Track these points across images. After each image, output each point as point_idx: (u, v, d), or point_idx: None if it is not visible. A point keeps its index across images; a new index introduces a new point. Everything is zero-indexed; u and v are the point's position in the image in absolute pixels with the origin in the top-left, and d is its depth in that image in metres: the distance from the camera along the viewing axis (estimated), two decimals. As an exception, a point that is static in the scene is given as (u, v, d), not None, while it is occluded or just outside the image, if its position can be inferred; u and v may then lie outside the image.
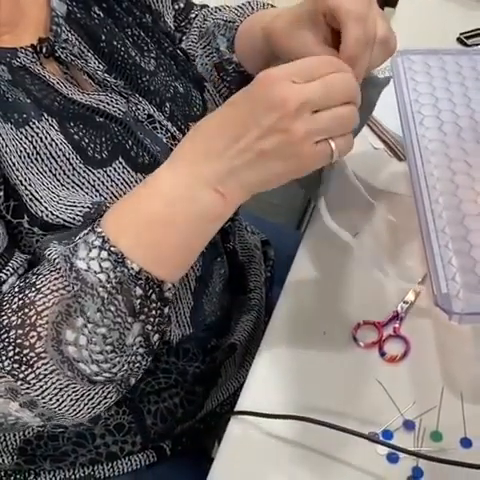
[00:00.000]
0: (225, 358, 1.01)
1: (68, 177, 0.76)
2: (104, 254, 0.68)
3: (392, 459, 0.79)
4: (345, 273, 0.95)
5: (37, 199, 0.73)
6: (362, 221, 0.98)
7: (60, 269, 0.69)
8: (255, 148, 0.67)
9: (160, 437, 0.97)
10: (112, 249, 0.68)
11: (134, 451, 0.96)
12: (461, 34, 1.33)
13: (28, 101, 0.75)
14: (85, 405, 0.72)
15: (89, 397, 0.72)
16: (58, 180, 0.75)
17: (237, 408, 0.85)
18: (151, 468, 0.97)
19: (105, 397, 0.74)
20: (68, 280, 0.68)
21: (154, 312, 0.71)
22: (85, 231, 0.71)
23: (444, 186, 0.86)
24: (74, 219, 0.74)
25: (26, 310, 0.68)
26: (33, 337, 0.68)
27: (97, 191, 0.77)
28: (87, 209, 0.74)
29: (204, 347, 0.98)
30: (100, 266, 0.68)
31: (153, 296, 0.70)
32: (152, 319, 0.71)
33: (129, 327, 0.70)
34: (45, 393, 0.70)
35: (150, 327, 0.71)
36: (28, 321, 0.68)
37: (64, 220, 0.73)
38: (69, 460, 0.94)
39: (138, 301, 0.69)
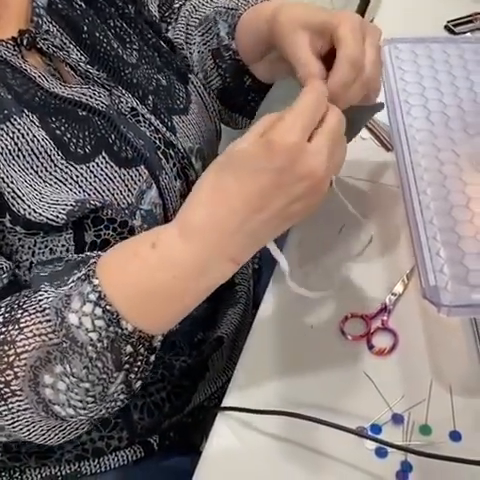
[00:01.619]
0: (212, 352, 1.01)
1: (50, 173, 0.75)
2: (98, 311, 0.66)
3: (381, 454, 0.79)
4: (333, 265, 0.94)
5: (19, 197, 0.72)
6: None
7: (50, 321, 0.67)
8: (283, 215, 0.67)
9: (147, 432, 0.96)
10: (107, 308, 0.66)
11: (121, 447, 0.95)
12: (449, 22, 1.32)
13: (9, 97, 0.74)
14: (55, 435, 0.72)
15: (60, 428, 0.72)
16: (40, 177, 0.74)
17: (224, 403, 0.84)
18: (138, 464, 0.97)
19: (77, 428, 0.73)
20: (57, 335, 0.67)
21: (140, 363, 0.70)
22: (80, 275, 0.68)
23: (432, 176, 0.85)
24: (57, 217, 0.72)
25: (6, 347, 0.68)
26: (9, 375, 0.67)
27: (80, 187, 0.76)
28: (70, 207, 0.73)
29: (191, 341, 0.97)
30: (93, 324, 0.66)
31: (142, 350, 0.69)
32: (136, 369, 0.70)
33: (113, 381, 0.69)
34: (16, 424, 0.69)
35: (133, 376, 0.70)
36: (6, 359, 0.67)
37: (47, 218, 0.72)
38: (55, 457, 0.93)
39: (126, 357, 0.68)
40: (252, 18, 0.94)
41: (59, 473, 0.94)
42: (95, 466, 0.94)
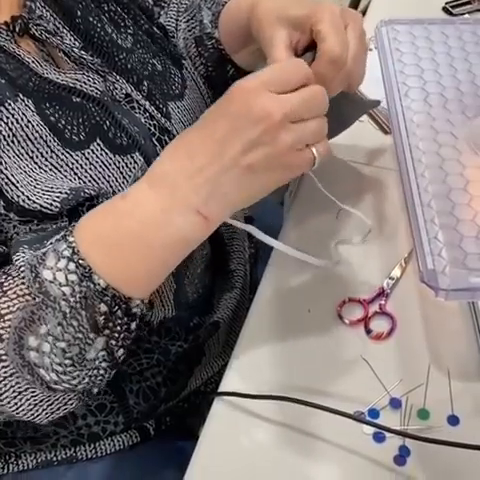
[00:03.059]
0: (208, 336, 1.00)
1: (46, 160, 0.74)
2: (72, 266, 0.67)
3: (378, 438, 0.78)
4: (330, 250, 0.94)
5: (13, 183, 0.71)
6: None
7: (24, 278, 0.67)
8: (241, 163, 0.66)
9: (143, 417, 0.96)
10: (80, 262, 0.67)
11: (117, 431, 0.95)
12: (447, 3, 1.31)
13: (3, 81, 0.73)
14: (43, 410, 0.72)
15: (48, 403, 0.72)
16: (36, 163, 0.73)
17: (221, 388, 0.84)
18: (135, 449, 0.97)
19: (65, 404, 0.73)
20: (31, 290, 0.67)
21: (119, 328, 0.70)
22: (58, 237, 0.69)
23: (430, 159, 0.85)
24: (51, 205, 0.72)
25: None
26: None
27: (75, 174, 0.75)
28: (65, 195, 0.73)
29: (186, 326, 0.96)
30: (66, 278, 0.66)
31: (119, 312, 0.69)
32: (117, 334, 0.70)
33: (91, 342, 0.69)
34: (3, 396, 0.69)
35: (114, 342, 0.70)
36: None
37: (41, 205, 0.72)
38: (50, 442, 0.93)
39: (102, 317, 0.68)
40: (234, 8, 0.93)
41: (55, 458, 0.94)
42: (91, 451, 0.94)
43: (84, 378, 0.71)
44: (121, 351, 0.72)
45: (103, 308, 0.68)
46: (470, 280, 0.74)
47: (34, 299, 0.67)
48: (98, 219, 0.70)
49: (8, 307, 0.67)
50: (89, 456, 0.94)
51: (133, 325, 0.71)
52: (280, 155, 0.67)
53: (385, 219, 0.97)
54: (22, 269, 0.68)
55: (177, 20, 0.99)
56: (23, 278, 0.68)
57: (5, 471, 0.93)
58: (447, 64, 0.95)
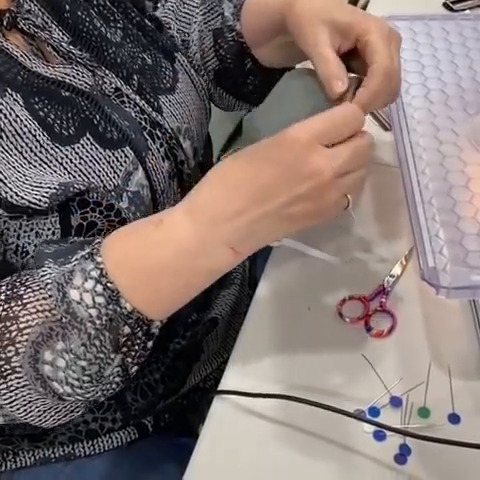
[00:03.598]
0: (207, 333, 1.00)
1: (35, 154, 0.73)
2: (99, 288, 0.66)
3: (379, 437, 0.78)
4: (330, 247, 0.93)
5: (1, 180, 0.70)
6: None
7: (52, 296, 0.67)
8: (283, 213, 0.67)
9: (141, 414, 0.96)
10: (109, 285, 0.66)
11: (115, 428, 0.95)
12: (447, -1, 1.31)
13: None
14: (51, 417, 0.72)
15: (56, 410, 0.72)
16: (25, 158, 0.73)
17: (221, 386, 0.84)
18: (133, 445, 0.96)
19: (72, 411, 0.73)
20: (58, 310, 0.67)
21: (137, 347, 0.70)
22: (84, 253, 0.69)
23: (431, 156, 0.85)
24: (40, 201, 0.71)
25: (8, 323, 0.67)
26: (10, 351, 0.67)
27: (65, 169, 0.75)
28: (54, 190, 0.72)
29: (185, 322, 0.96)
30: (93, 300, 0.66)
31: (139, 334, 0.69)
32: (134, 353, 0.70)
33: (110, 362, 0.69)
34: (14, 403, 0.69)
35: (130, 360, 0.70)
36: (8, 335, 0.67)
37: (29, 201, 0.71)
38: (48, 439, 0.93)
39: (124, 339, 0.68)
40: (261, 2, 0.92)
41: (52, 455, 0.93)
42: (89, 448, 0.94)
43: (97, 392, 0.71)
44: (134, 368, 0.72)
45: (126, 330, 0.68)
46: (471, 278, 0.74)
47: (54, 316, 0.67)
48: (128, 242, 0.69)
49: (27, 321, 0.67)
50: (87, 453, 0.94)
51: (149, 344, 0.71)
52: (322, 209, 0.68)
53: (385, 217, 0.97)
54: (49, 287, 0.67)
55: (174, 12, 0.99)
56: (50, 296, 0.67)
57: (3, 468, 0.93)
58: (448, 60, 0.95)
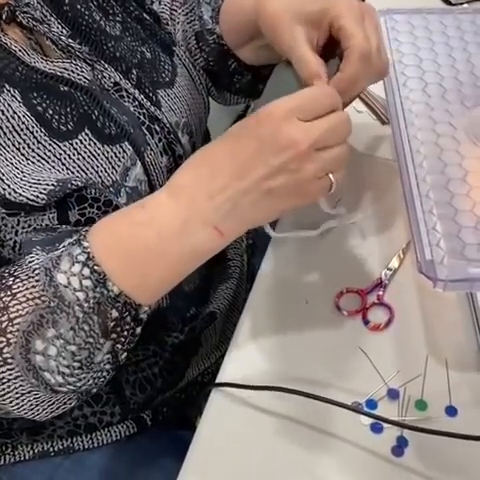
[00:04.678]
0: (205, 327, 1.00)
1: (33, 151, 0.73)
2: (86, 271, 0.67)
3: (376, 429, 0.78)
4: (328, 240, 0.93)
5: None
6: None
7: (39, 281, 0.67)
8: (262, 187, 0.67)
9: (140, 407, 0.96)
10: (95, 268, 0.67)
11: (113, 422, 0.95)
12: (445, -7, 1.30)
13: None
14: (44, 410, 0.72)
15: (49, 403, 0.72)
16: (23, 154, 0.73)
17: (219, 379, 0.84)
18: (131, 439, 0.96)
19: (65, 403, 0.73)
20: (46, 294, 0.67)
21: (126, 333, 0.71)
22: (71, 240, 0.69)
23: (428, 149, 0.85)
24: (38, 197, 0.71)
25: None
26: (1, 342, 0.67)
27: (63, 165, 0.75)
28: (51, 187, 0.72)
29: (183, 316, 0.96)
30: (80, 283, 0.67)
31: (128, 318, 0.70)
32: (123, 339, 0.71)
33: (100, 347, 0.70)
34: (6, 396, 0.69)
35: (120, 346, 0.71)
36: None
37: (27, 198, 0.71)
38: (47, 433, 0.93)
39: (113, 323, 0.69)
40: (236, 3, 0.92)
41: (51, 449, 0.93)
42: (87, 442, 0.94)
43: (89, 380, 0.71)
44: (124, 354, 0.72)
45: (114, 314, 0.68)
46: (468, 271, 0.73)
47: (44, 302, 0.67)
48: (114, 225, 0.70)
49: (17, 310, 0.67)
50: (86, 447, 0.94)
51: (138, 330, 0.72)
52: (301, 183, 0.68)
53: (383, 210, 0.97)
54: (37, 271, 0.68)
55: (172, 10, 0.98)
56: (37, 281, 0.67)
57: (1, 462, 0.93)
58: (446, 54, 0.95)
